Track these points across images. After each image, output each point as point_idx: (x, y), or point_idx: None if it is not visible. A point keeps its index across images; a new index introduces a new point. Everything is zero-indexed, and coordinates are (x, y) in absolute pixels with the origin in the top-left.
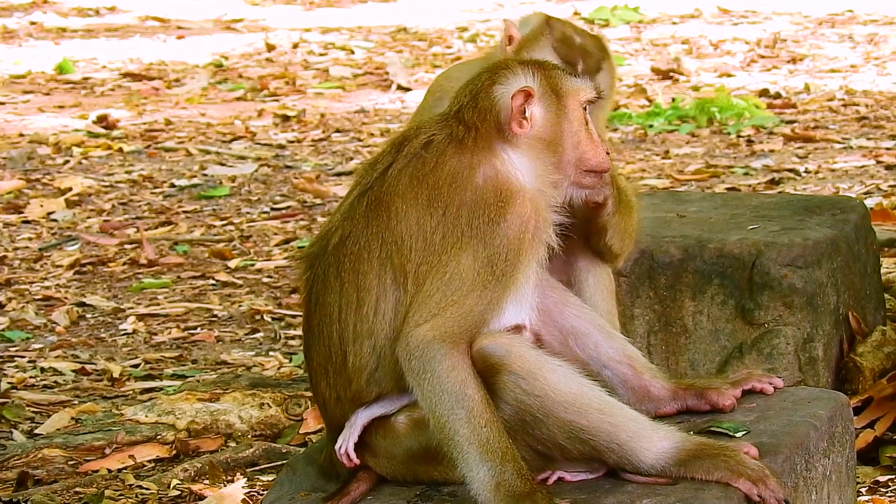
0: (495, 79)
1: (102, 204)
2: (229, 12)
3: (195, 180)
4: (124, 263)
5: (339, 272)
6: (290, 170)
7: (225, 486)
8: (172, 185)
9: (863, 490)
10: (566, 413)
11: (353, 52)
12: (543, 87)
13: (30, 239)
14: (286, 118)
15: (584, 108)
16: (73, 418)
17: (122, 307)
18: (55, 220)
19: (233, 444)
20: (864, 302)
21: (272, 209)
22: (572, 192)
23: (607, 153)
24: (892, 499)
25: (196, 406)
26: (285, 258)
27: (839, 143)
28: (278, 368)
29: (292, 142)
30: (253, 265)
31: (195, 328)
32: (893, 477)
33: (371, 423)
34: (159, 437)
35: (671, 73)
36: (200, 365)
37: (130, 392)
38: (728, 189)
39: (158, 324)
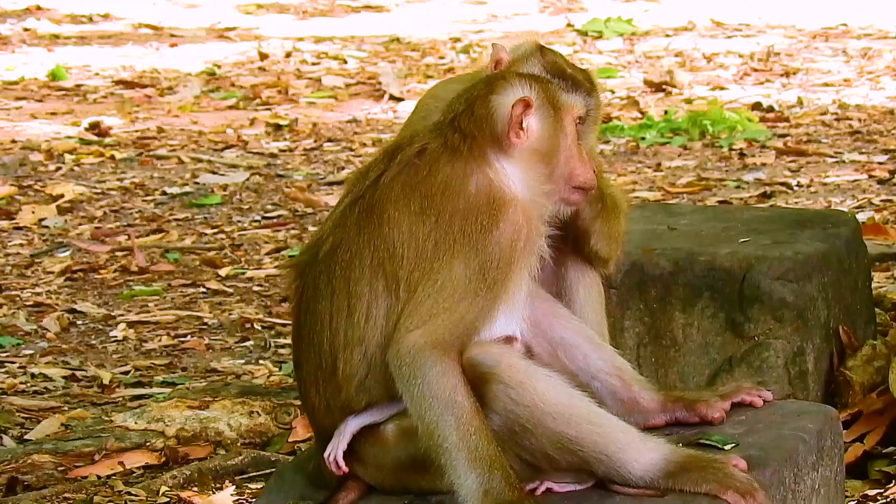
0: (493, 88)
1: (94, 211)
2: (222, 21)
3: (187, 188)
4: (115, 270)
5: (331, 280)
6: (281, 179)
7: (214, 493)
8: (164, 193)
9: None
10: (555, 423)
11: (345, 62)
12: (541, 99)
13: (21, 245)
14: (278, 127)
15: (577, 125)
16: (62, 424)
17: (112, 314)
18: (47, 227)
19: (222, 452)
20: (854, 316)
21: (263, 218)
22: (559, 207)
23: (594, 171)
24: None
25: (185, 413)
26: (276, 267)
27: (832, 157)
28: (268, 377)
29: (284, 151)
30: (244, 273)
31: (185, 336)
32: (882, 491)
33: (360, 432)
34: (148, 444)
35: (664, 86)
36: (190, 372)
37: (120, 399)
38: (720, 202)
39: (149, 331)
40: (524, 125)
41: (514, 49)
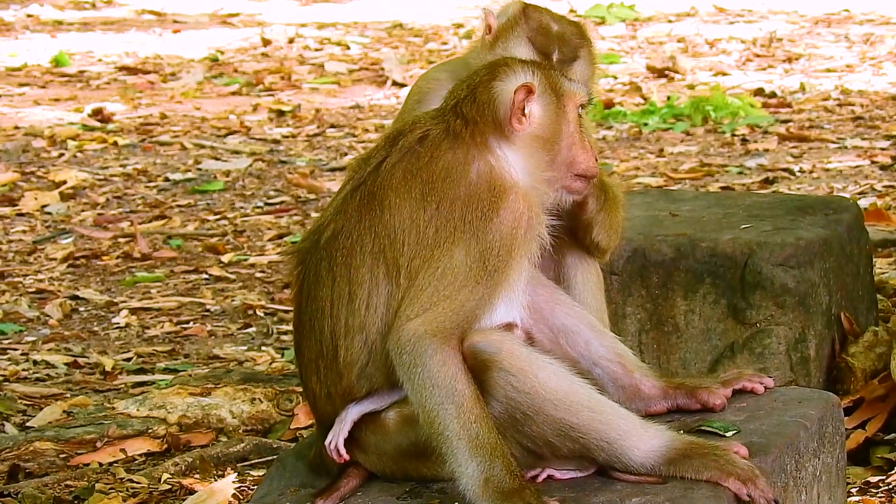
0: (495, 74)
1: (97, 197)
2: (225, 7)
3: (189, 174)
4: (118, 257)
5: (332, 266)
6: (284, 165)
7: (215, 480)
8: (167, 179)
9: (854, 490)
10: (556, 410)
11: (348, 48)
12: (543, 86)
13: (24, 232)
14: (281, 113)
15: (579, 113)
16: (64, 411)
17: (115, 301)
18: (49, 213)
19: (224, 439)
20: (856, 302)
21: (266, 204)
22: (560, 195)
23: (596, 159)
24: (883, 499)
25: (187, 400)
26: (278, 253)
27: (834, 142)
28: (270, 363)
29: (287, 137)
30: (246, 260)
31: (188, 322)
32: (884, 477)
33: (361, 419)
34: (150, 431)
35: (666, 72)
36: (192, 359)
37: (122, 386)
38: (722, 188)
39: (151, 318)
40: (526, 111)
41: (500, 13)
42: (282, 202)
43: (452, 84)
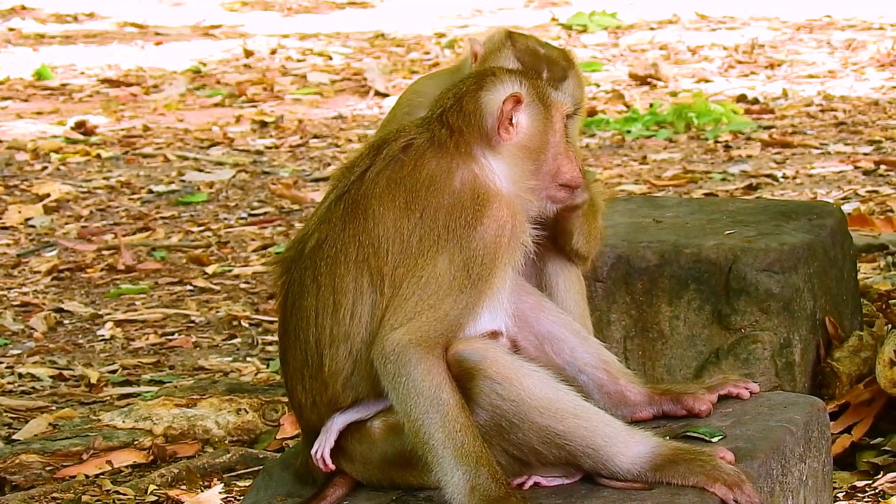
0: (482, 84)
1: (80, 210)
2: (207, 18)
3: (173, 186)
4: (102, 269)
5: (316, 276)
6: (267, 176)
7: (202, 491)
8: (150, 191)
9: (840, 495)
10: (542, 418)
11: (330, 58)
12: (531, 96)
13: (8, 245)
14: (264, 124)
15: (564, 123)
16: (50, 424)
17: (99, 313)
18: (33, 226)
19: (210, 450)
20: (841, 307)
21: (250, 215)
22: (544, 204)
23: (580, 169)
24: (870, 503)
25: (173, 412)
26: (263, 264)
27: (817, 148)
28: (255, 374)
29: (270, 148)
30: (230, 271)
31: (173, 334)
32: (870, 482)
33: (347, 428)
34: (136, 442)
35: (649, 79)
36: (178, 371)
37: (108, 398)
38: (706, 194)
39: (136, 329)
40: (514, 121)
41: (486, 41)
42: (265, 213)
43: None
